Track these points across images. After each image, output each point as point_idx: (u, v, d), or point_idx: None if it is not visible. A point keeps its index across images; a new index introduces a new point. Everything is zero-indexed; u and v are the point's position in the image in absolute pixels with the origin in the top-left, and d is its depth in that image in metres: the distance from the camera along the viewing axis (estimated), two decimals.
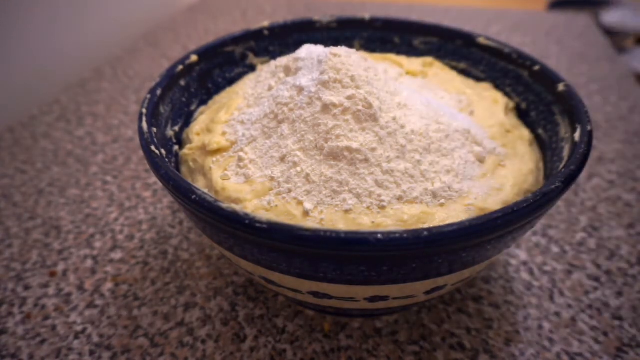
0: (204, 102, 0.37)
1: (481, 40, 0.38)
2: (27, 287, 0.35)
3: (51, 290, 0.35)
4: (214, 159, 0.30)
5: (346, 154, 0.26)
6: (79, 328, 0.32)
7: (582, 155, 0.25)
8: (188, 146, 0.32)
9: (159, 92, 0.31)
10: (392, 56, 0.40)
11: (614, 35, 1.27)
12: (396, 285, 0.24)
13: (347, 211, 0.25)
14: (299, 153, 0.27)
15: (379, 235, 0.20)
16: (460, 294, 0.34)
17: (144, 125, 0.28)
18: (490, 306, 0.33)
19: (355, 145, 0.26)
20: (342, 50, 0.29)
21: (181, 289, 0.35)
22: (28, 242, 0.39)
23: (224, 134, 0.31)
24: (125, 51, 0.73)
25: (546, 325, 0.32)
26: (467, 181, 0.27)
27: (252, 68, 0.40)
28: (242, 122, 0.31)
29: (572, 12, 0.90)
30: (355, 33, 0.42)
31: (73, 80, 0.66)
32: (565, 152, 0.28)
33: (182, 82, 0.35)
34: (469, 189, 0.27)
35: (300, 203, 0.25)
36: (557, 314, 0.33)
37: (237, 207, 0.22)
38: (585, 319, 0.33)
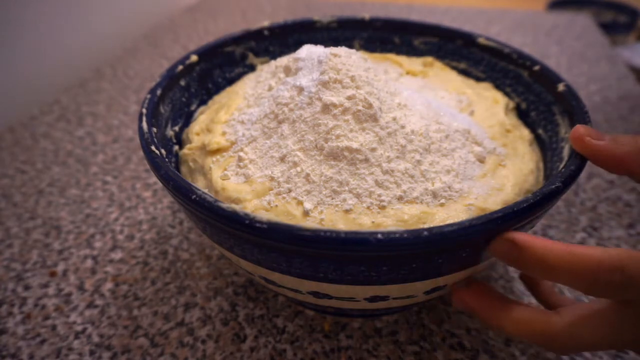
0: (204, 102, 0.37)
1: (481, 40, 0.38)
2: (27, 287, 0.35)
3: (51, 290, 0.35)
4: (214, 158, 0.30)
5: (346, 154, 0.26)
6: (79, 328, 0.32)
7: (582, 156, 0.25)
8: (188, 146, 0.32)
9: (159, 92, 0.31)
10: (392, 56, 0.40)
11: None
12: (396, 285, 0.24)
13: (347, 211, 0.25)
14: (299, 153, 0.27)
15: (379, 235, 0.20)
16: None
17: (144, 125, 0.28)
18: None
19: (355, 145, 0.26)
20: (342, 50, 0.29)
21: (181, 289, 0.35)
22: (28, 242, 0.39)
23: (223, 134, 0.31)
24: (125, 51, 0.73)
25: None
26: (468, 181, 0.27)
27: (252, 68, 0.40)
28: (242, 122, 0.31)
29: (572, 12, 0.89)
30: (355, 33, 0.42)
31: (73, 80, 0.66)
32: (565, 152, 0.28)
33: (182, 82, 0.35)
34: (469, 188, 0.27)
35: (300, 203, 0.25)
36: None
37: (237, 207, 0.22)
38: None
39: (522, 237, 0.21)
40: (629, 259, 0.19)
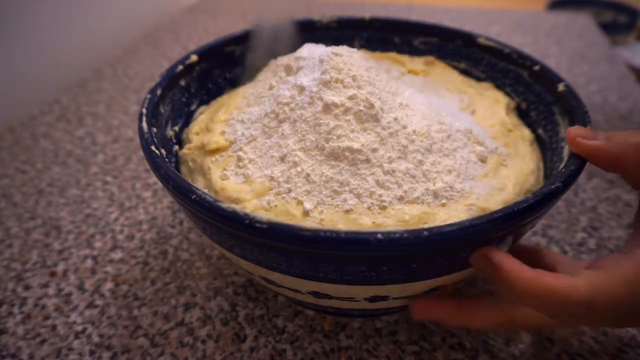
0: (204, 102, 0.37)
1: (481, 40, 0.38)
2: (27, 287, 0.35)
3: (51, 290, 0.35)
4: (213, 158, 0.29)
5: (347, 154, 0.26)
6: (79, 328, 0.32)
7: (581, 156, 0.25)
8: (187, 146, 0.32)
9: (159, 92, 0.31)
10: (394, 55, 0.40)
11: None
12: (396, 285, 0.24)
13: (347, 211, 0.25)
14: (299, 153, 0.27)
15: (379, 236, 0.20)
16: (460, 294, 0.34)
17: (144, 125, 0.28)
18: None
19: (356, 145, 0.26)
20: (343, 49, 0.29)
21: (181, 289, 0.35)
22: (28, 242, 0.39)
23: (222, 133, 0.31)
24: (125, 51, 0.73)
25: None
26: (469, 181, 0.27)
27: None
28: (242, 121, 0.31)
29: (572, 12, 0.89)
30: (356, 33, 0.42)
31: (73, 80, 0.66)
32: (565, 152, 0.28)
33: (182, 82, 0.35)
34: (471, 188, 0.27)
35: (300, 203, 0.25)
36: None
37: (237, 207, 0.22)
38: None
39: (498, 258, 0.21)
40: (597, 293, 0.20)
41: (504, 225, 0.21)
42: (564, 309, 0.20)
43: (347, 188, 0.25)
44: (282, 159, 0.27)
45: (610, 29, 1.33)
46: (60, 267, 0.37)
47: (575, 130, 0.25)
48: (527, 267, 0.21)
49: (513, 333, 0.25)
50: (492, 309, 0.24)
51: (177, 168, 0.32)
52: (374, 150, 0.26)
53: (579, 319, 0.21)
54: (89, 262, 0.37)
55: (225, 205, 0.22)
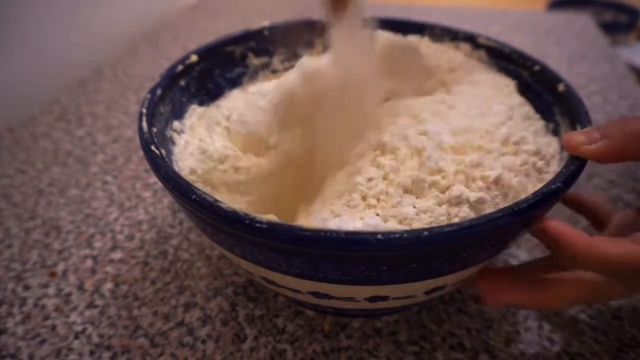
0: (204, 102, 0.37)
1: (481, 40, 0.38)
2: (27, 287, 0.35)
3: (51, 290, 0.35)
4: None
5: None
6: (79, 328, 0.32)
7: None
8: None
9: (159, 92, 0.31)
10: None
11: None
12: (396, 285, 0.24)
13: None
14: None
15: (379, 236, 0.20)
16: (460, 294, 0.34)
17: (144, 125, 0.28)
18: None
19: None
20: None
21: (181, 289, 0.35)
22: (28, 242, 0.39)
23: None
24: (125, 51, 0.73)
25: (546, 325, 0.32)
26: None
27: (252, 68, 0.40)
28: None
29: (572, 12, 0.89)
30: None
31: (73, 80, 0.65)
32: (566, 152, 0.28)
33: (182, 82, 0.35)
34: None
35: None
36: (557, 314, 0.33)
37: (237, 207, 0.22)
38: (585, 319, 0.33)
39: (555, 230, 0.22)
40: None
41: (504, 226, 0.21)
42: (619, 272, 0.21)
43: None
44: None
45: (611, 29, 1.33)
46: (60, 267, 0.37)
47: (574, 137, 0.25)
48: (583, 234, 0.22)
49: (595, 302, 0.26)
50: (572, 286, 0.24)
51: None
52: None
53: (629, 280, 0.22)
54: (89, 262, 0.37)
55: (225, 205, 0.22)
